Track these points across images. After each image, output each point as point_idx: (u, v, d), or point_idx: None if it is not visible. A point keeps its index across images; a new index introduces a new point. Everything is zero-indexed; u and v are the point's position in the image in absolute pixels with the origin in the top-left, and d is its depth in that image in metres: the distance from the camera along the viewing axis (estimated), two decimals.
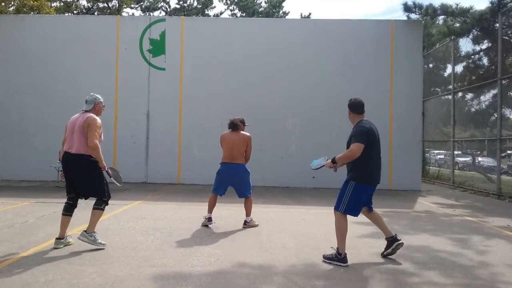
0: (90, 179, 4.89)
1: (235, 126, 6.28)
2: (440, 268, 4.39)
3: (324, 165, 4.73)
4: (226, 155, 6.28)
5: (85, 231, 4.86)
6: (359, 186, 4.48)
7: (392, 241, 4.70)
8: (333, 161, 4.58)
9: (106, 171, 4.95)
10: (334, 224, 4.56)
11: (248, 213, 6.34)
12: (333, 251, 4.53)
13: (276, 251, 4.95)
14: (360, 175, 4.49)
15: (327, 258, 4.53)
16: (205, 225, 6.22)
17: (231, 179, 6.28)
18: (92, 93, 5.14)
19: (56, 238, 4.92)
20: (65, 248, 4.85)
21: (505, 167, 13.76)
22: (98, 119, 4.90)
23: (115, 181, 5.06)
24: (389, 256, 4.74)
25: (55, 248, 4.82)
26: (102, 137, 4.96)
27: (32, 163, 12.20)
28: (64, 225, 4.93)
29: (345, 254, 4.44)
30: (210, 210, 6.34)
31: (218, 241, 5.37)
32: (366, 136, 4.47)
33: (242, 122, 6.37)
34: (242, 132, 6.30)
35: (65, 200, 5.08)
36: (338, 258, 4.43)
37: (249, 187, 6.32)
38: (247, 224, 6.24)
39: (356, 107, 4.86)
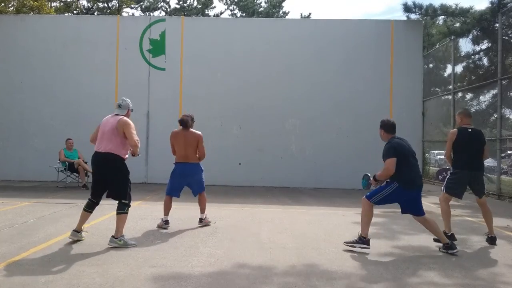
0: (117, 179, 5.07)
1: (185, 123, 6.22)
2: (440, 268, 4.39)
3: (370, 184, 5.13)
4: (180, 154, 6.25)
5: (113, 236, 4.99)
6: (400, 188, 4.92)
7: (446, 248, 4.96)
8: (375, 178, 4.99)
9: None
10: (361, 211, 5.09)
11: (202, 210, 6.36)
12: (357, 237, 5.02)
13: (276, 251, 4.94)
14: (402, 181, 4.93)
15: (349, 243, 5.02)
16: (161, 227, 6.05)
17: (186, 179, 6.30)
18: (124, 98, 5.35)
19: (73, 230, 5.15)
20: (65, 248, 4.86)
21: (505, 167, 13.74)
22: (131, 121, 5.14)
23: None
24: (389, 256, 4.76)
25: (70, 239, 5.09)
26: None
27: (32, 163, 12.19)
28: (82, 220, 5.19)
29: (368, 238, 4.98)
30: (166, 212, 6.23)
31: (218, 241, 5.37)
32: (394, 151, 4.90)
33: (192, 119, 6.34)
34: (192, 130, 6.27)
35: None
36: (363, 241, 4.93)
37: (202, 184, 6.36)
38: (202, 222, 6.27)
39: (388, 127, 5.18)
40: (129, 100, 5.35)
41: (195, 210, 7.57)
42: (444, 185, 5.73)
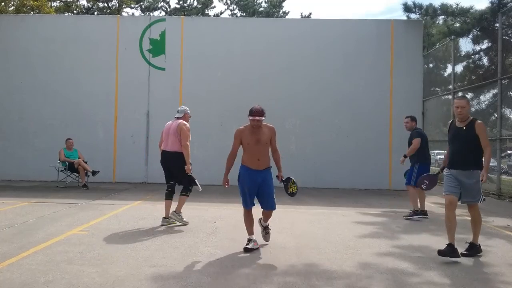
0: (182, 171, 6.19)
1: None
2: (440, 268, 4.39)
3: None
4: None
5: (174, 211, 6.14)
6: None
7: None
8: (404, 156, 7.11)
9: (190, 176, 6.25)
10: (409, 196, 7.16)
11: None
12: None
13: (276, 251, 4.95)
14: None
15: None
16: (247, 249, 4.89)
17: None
18: (182, 105, 6.69)
19: (163, 218, 6.18)
20: (65, 248, 4.86)
21: (505, 167, 13.74)
22: (188, 125, 6.33)
23: (197, 186, 6.27)
24: (389, 256, 4.77)
25: (162, 225, 6.09)
26: (190, 137, 6.34)
27: (32, 163, 12.18)
28: (167, 207, 6.20)
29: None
30: (248, 231, 5.09)
31: (218, 241, 5.38)
32: (419, 134, 7.18)
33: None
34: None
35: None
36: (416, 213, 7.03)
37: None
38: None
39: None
40: (186, 107, 6.59)
41: (195, 210, 7.58)
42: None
